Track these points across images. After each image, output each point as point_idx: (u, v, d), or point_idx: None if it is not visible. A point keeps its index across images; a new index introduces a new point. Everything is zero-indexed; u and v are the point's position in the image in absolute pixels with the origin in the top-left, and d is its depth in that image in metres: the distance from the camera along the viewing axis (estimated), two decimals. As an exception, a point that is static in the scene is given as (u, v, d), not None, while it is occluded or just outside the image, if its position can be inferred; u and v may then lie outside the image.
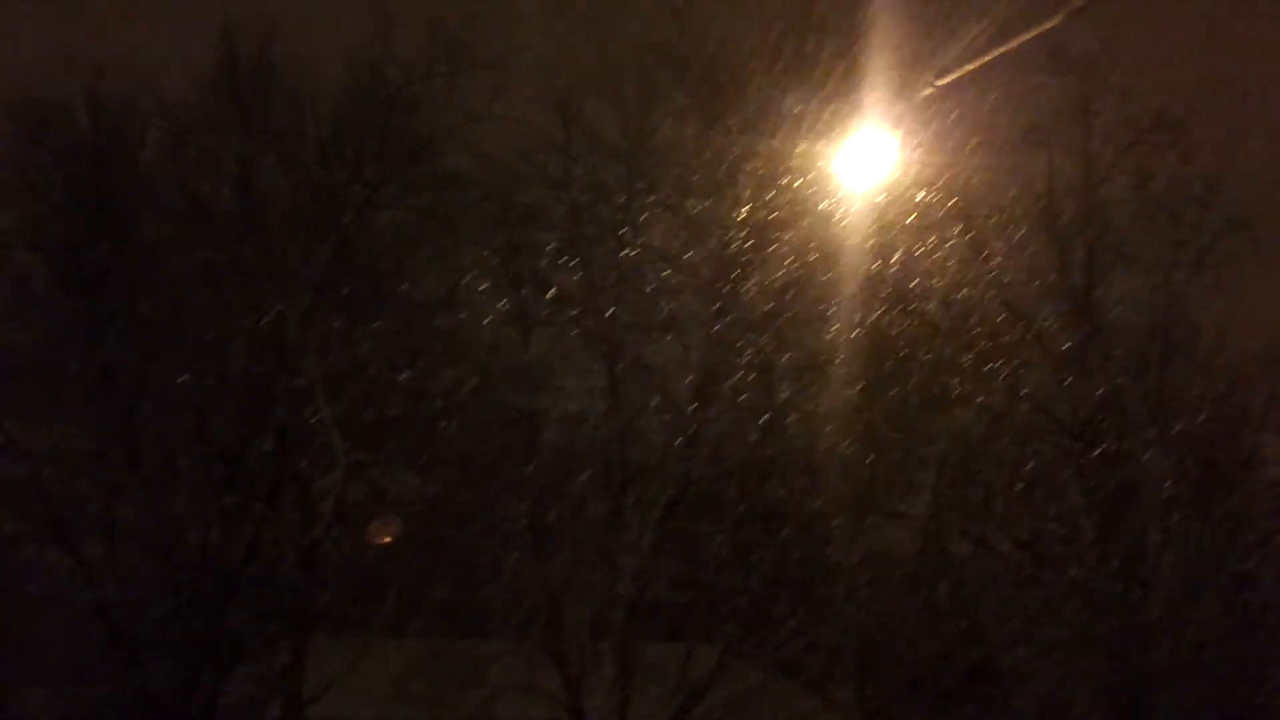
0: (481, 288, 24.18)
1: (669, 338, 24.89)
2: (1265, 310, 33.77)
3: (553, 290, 24.04)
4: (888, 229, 22.84)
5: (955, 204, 23.38)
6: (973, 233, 25.84)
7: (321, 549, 24.44)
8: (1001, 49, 11.92)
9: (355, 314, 23.18)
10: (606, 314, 23.90)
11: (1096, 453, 29.53)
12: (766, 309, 23.79)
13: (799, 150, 21.08)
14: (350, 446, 23.26)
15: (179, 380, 22.86)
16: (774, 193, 22.18)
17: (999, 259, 27.20)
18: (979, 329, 27.16)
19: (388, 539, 28.23)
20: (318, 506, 24.65)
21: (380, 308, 23.32)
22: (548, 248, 23.35)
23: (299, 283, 23.25)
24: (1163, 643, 29.29)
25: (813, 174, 20.93)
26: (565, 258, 23.84)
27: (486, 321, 24.26)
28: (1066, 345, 28.97)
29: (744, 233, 22.85)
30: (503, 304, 24.50)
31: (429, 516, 24.44)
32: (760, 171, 22.02)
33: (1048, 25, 10.78)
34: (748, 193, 22.59)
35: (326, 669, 24.62)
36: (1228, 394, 30.30)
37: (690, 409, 23.98)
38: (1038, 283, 28.73)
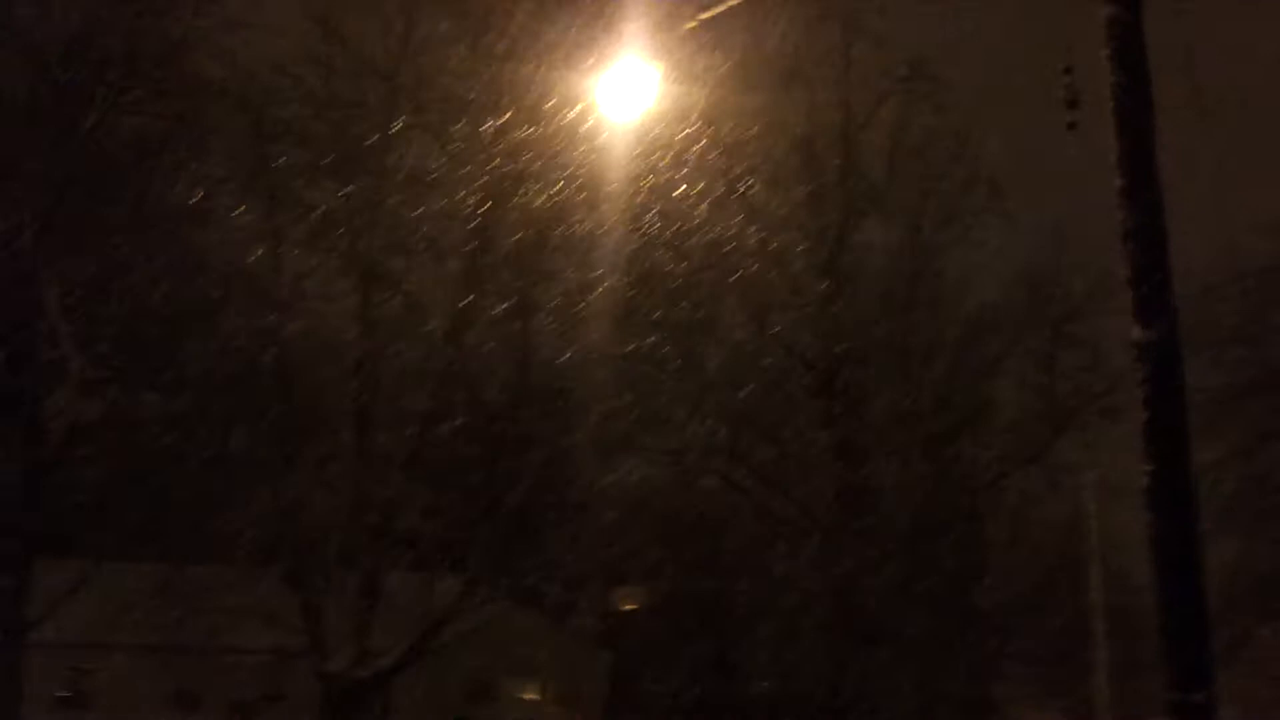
0: (232, 203, 23.28)
1: (426, 264, 24.45)
2: (1005, 262, 35.31)
3: (307, 210, 23.28)
4: (648, 162, 22.88)
5: (714, 141, 23.52)
6: (731, 171, 26.16)
7: (51, 469, 23.33)
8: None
9: (96, 224, 21.99)
10: (362, 237, 23.30)
11: (840, 394, 30.58)
12: (526, 238, 23.62)
13: (562, 79, 20.85)
14: (86, 363, 22.16)
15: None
16: (536, 120, 21.92)
17: (756, 198, 27.67)
18: (734, 266, 27.63)
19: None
20: (49, 424, 23.46)
21: (123, 218, 22.15)
22: (303, 166, 22.56)
23: (35, 187, 21.90)
24: (894, 575, 30.68)
25: (575, 103, 20.74)
26: (321, 177, 23.10)
27: (236, 239, 23.39)
28: (818, 288, 29.78)
29: (506, 159, 22.55)
30: (254, 222, 23.63)
31: (168, 438, 23.51)
32: (523, 98, 21.71)
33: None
34: (510, 119, 22.28)
35: (52, 591, 23.67)
36: (966, 342, 31.72)
37: (446, 338, 23.66)
38: (794, 224, 29.41)
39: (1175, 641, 6.41)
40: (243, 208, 23.00)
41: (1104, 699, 24.01)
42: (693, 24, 13.56)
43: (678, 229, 25.18)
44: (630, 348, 25.36)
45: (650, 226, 24.69)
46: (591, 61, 21.19)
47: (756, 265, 28.23)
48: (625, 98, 14.84)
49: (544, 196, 22.99)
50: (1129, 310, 6.88)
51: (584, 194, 23.46)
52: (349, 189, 22.92)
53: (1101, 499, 26.21)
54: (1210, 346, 27.00)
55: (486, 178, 22.90)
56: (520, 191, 23.05)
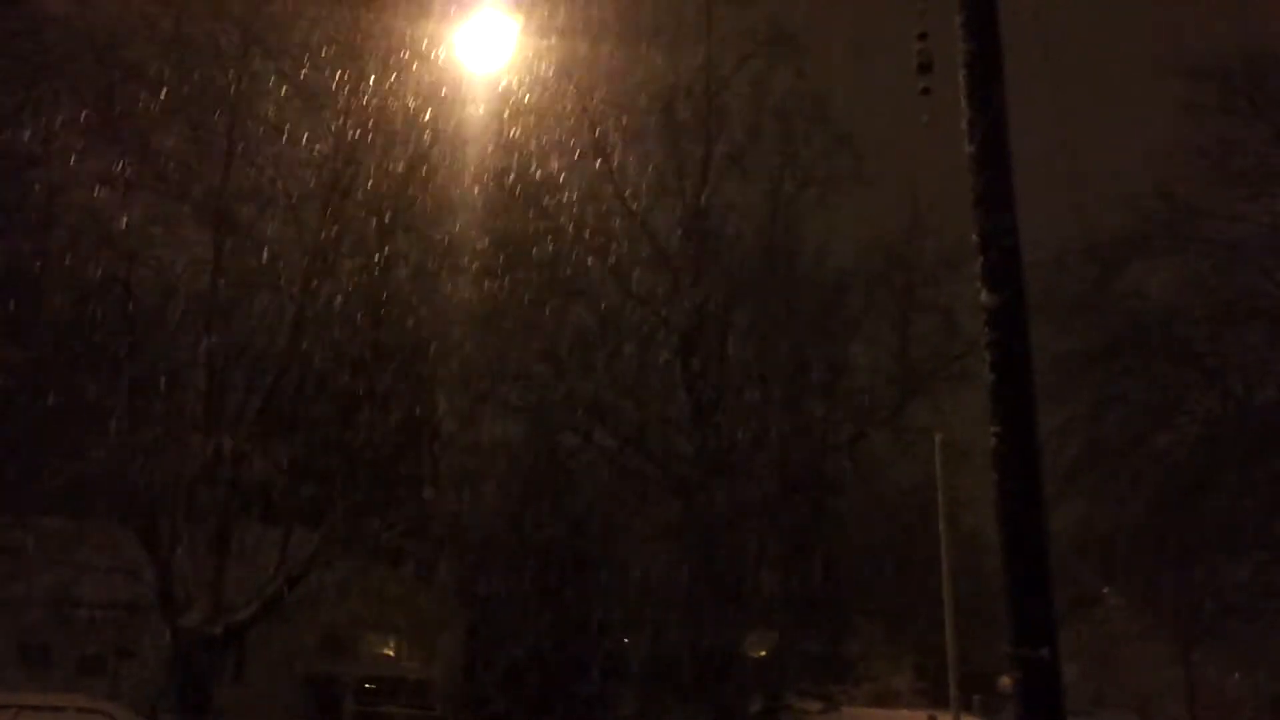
0: (78, 146, 22.68)
1: (281, 214, 24.07)
2: (862, 227, 35.87)
3: (156, 155, 22.77)
4: (508, 117, 22.84)
5: (575, 97, 23.56)
6: (593, 128, 26.21)
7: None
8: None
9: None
10: (213, 184, 22.88)
11: (701, 354, 30.88)
12: (384, 190, 23.40)
13: (421, 29, 20.70)
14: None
15: None
16: (395, 70, 21.75)
17: (618, 156, 27.77)
18: (596, 225, 27.71)
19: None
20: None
21: (-39, 160, 21.49)
22: (151, 109, 22.03)
23: None
24: (752, 534, 31.14)
25: (434, 54, 20.63)
26: (172, 121, 22.59)
27: (83, 183, 22.80)
28: (679, 249, 30.02)
29: (363, 108, 22.34)
30: (101, 166, 23.07)
31: (11, 387, 22.89)
32: (382, 47, 21.51)
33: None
34: (368, 68, 22.06)
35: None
36: (824, 305, 32.20)
37: (300, 288, 23.35)
38: (656, 184, 29.59)
39: (1020, 599, 6.55)
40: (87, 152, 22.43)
41: (953, 656, 24.56)
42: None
43: (539, 184, 25.19)
44: (490, 301, 25.30)
45: (510, 181, 24.67)
46: (451, 12, 21.11)
47: (619, 222, 28.38)
48: (484, 50, 14.74)
49: (402, 147, 22.84)
50: (977, 275, 7.01)
51: (443, 146, 23.35)
52: (198, 135, 22.49)
53: (952, 461, 26.70)
54: (1059, 313, 27.68)
55: (343, 127, 22.66)
56: (378, 141, 22.86)
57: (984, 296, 7.06)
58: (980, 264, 7.13)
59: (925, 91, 7.77)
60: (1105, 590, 37.41)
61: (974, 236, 7.20)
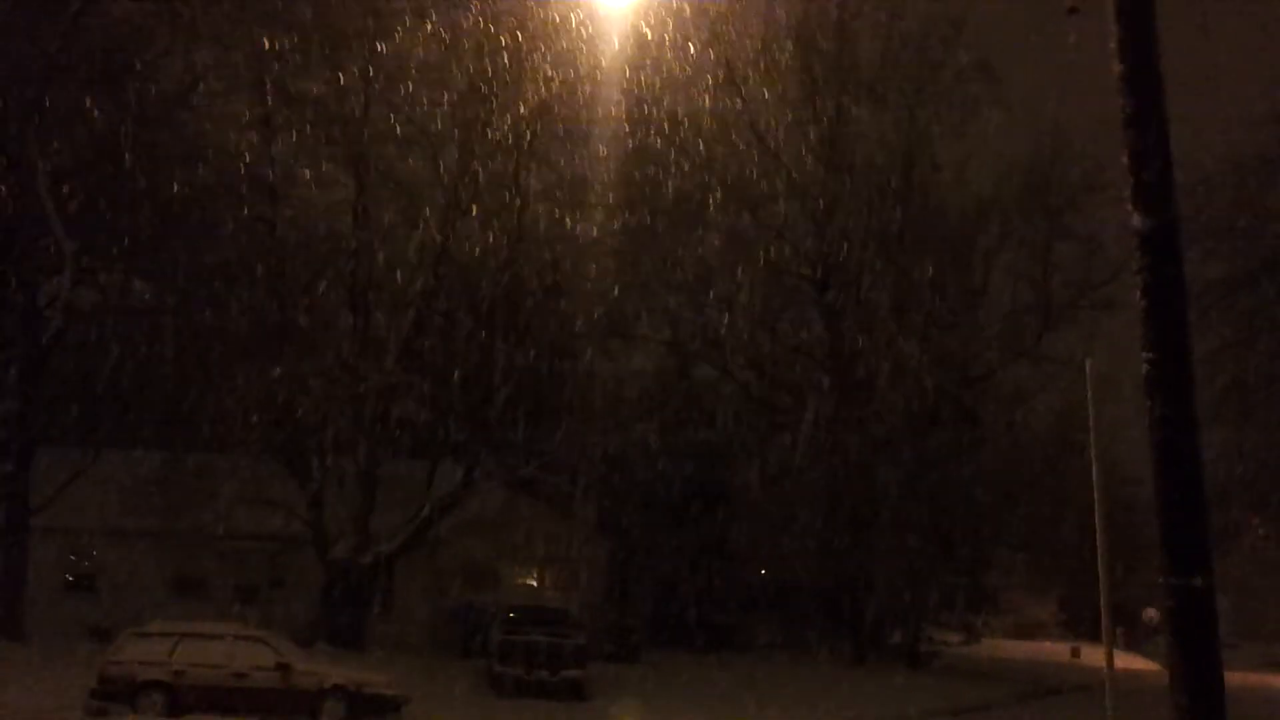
0: (222, 91, 23.22)
1: (419, 152, 24.41)
2: (1001, 153, 35.15)
3: (297, 98, 23.20)
4: (643, 52, 22.81)
5: (710, 29, 23.42)
6: (727, 61, 26.03)
7: (49, 357, 23.52)
8: None
9: (86, 108, 21.89)
10: (354, 125, 23.26)
11: (835, 285, 30.69)
12: (520, 128, 23.59)
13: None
14: (79, 249, 22.22)
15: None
16: (529, 8, 21.86)
17: (751, 89, 27.56)
18: (730, 158, 27.59)
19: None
20: (45, 312, 23.61)
21: (113, 102, 22.05)
22: (293, 52, 22.42)
23: (24, 70, 21.80)
24: (890, 465, 30.97)
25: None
26: (312, 63, 22.99)
27: (227, 127, 23.34)
28: (813, 179, 29.75)
29: (499, 48, 22.48)
30: (245, 110, 23.58)
31: (163, 324, 23.63)
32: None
33: None
34: (503, 6, 22.20)
35: (54, 479, 23.97)
36: (961, 233, 31.71)
37: (440, 226, 23.71)
38: (789, 115, 29.31)
39: (1173, 527, 6.44)
40: (232, 95, 22.93)
41: (1105, 588, 24.30)
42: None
43: (672, 119, 25.13)
44: (624, 235, 25.41)
45: (644, 116, 24.66)
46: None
47: (753, 154, 28.22)
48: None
49: (537, 84, 22.96)
50: (1125, 200, 6.87)
51: (578, 83, 23.42)
52: (339, 77, 22.85)
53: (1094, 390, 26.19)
54: (1205, 238, 26.87)
55: (479, 66, 22.84)
56: (514, 80, 23.01)
57: (1135, 220, 6.87)
58: (1131, 186, 6.95)
59: (1073, 10, 7.58)
60: (1254, 520, 36.55)
61: (1124, 159, 7.01)
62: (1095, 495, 12.35)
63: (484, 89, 23.12)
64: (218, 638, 16.33)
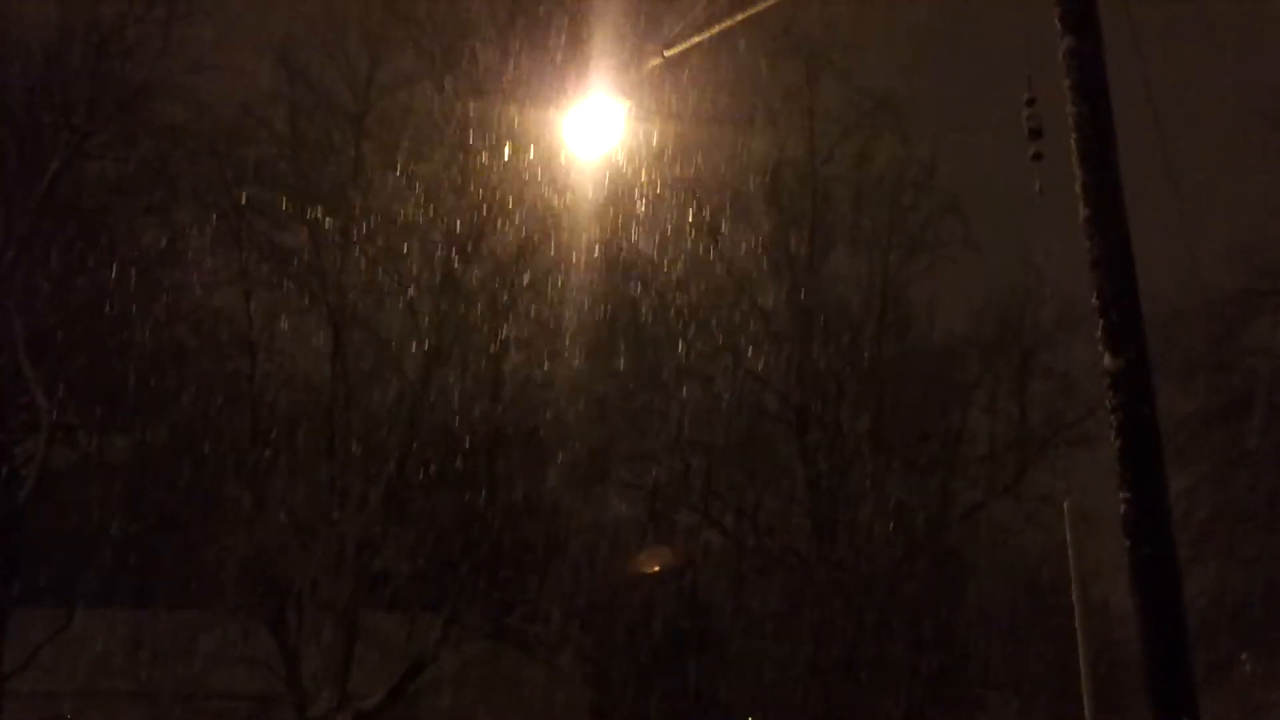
0: (201, 246, 23.32)
1: (397, 304, 24.51)
2: (974, 293, 35.50)
3: (276, 252, 23.35)
4: (616, 199, 23.05)
5: (681, 177, 23.73)
6: (699, 206, 26.33)
7: (25, 516, 23.21)
8: (728, 22, 12.07)
9: (64, 269, 21.96)
10: (332, 278, 23.36)
11: (815, 428, 30.68)
12: (497, 277, 23.73)
13: (528, 116, 21.05)
14: (56, 408, 22.08)
15: None
16: (504, 158, 22.10)
17: (725, 234, 27.85)
18: (706, 302, 27.77)
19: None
20: (20, 472, 23.36)
21: (91, 263, 22.13)
22: (270, 207, 22.62)
23: (2, 233, 21.89)
24: (874, 607, 30.65)
25: (542, 140, 20.91)
26: (290, 218, 23.17)
27: (206, 281, 23.41)
28: (787, 322, 29.94)
29: (474, 199, 22.72)
30: (223, 264, 23.67)
31: (140, 482, 23.40)
32: (490, 137, 21.89)
33: (773, 1, 10.93)
34: (477, 158, 22.46)
35: (29, 640, 23.47)
36: (937, 372, 31.87)
37: (418, 377, 23.70)
38: (763, 260, 29.59)
39: (1157, 668, 6.38)
40: (211, 251, 23.05)
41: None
42: (658, 60, 13.75)
43: (647, 265, 25.36)
44: (602, 385, 25.44)
45: (620, 263, 24.87)
46: (558, 98, 21.38)
47: (728, 299, 28.42)
48: (592, 134, 14.90)
49: (513, 234, 23.17)
50: (1098, 338, 6.91)
51: (553, 231, 23.63)
52: (316, 231, 23.01)
53: (1075, 528, 26.09)
54: (1179, 373, 27.11)
55: (455, 217, 23.05)
56: (489, 229, 23.22)
57: (1106, 360, 6.93)
58: (1101, 327, 7.01)
59: (1037, 157, 7.73)
60: (1243, 656, 36.20)
61: (1093, 300, 7.08)
62: (1079, 638, 12.25)
63: (461, 239, 23.32)
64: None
